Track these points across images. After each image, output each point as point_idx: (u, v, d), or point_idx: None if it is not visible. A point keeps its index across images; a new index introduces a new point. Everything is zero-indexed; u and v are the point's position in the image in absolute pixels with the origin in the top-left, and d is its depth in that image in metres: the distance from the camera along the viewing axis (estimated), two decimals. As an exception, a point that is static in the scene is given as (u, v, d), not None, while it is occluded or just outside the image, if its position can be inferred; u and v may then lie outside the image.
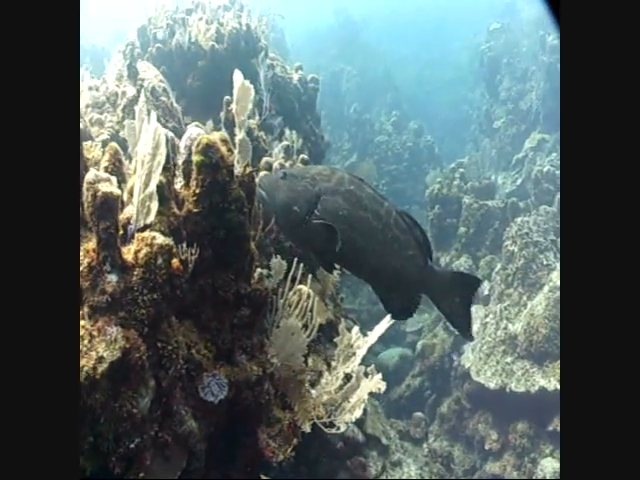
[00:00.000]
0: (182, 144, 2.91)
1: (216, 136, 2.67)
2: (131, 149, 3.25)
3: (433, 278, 3.56)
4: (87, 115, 4.79)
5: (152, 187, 2.30)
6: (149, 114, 2.38)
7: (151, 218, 2.31)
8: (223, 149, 2.64)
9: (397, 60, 21.68)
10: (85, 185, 2.17)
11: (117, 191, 2.17)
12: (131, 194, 2.53)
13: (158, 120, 4.70)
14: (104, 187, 2.14)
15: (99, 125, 4.74)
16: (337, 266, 4.44)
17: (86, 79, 6.19)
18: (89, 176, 2.16)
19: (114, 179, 2.23)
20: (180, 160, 2.87)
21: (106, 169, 2.65)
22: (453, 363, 7.80)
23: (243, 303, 2.84)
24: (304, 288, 3.01)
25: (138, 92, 4.83)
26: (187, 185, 2.79)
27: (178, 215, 2.57)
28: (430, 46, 25.37)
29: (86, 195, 2.17)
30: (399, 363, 10.15)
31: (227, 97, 5.10)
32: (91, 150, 3.78)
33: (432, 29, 27.05)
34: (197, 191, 2.57)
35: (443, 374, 9.14)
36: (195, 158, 2.57)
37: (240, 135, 2.61)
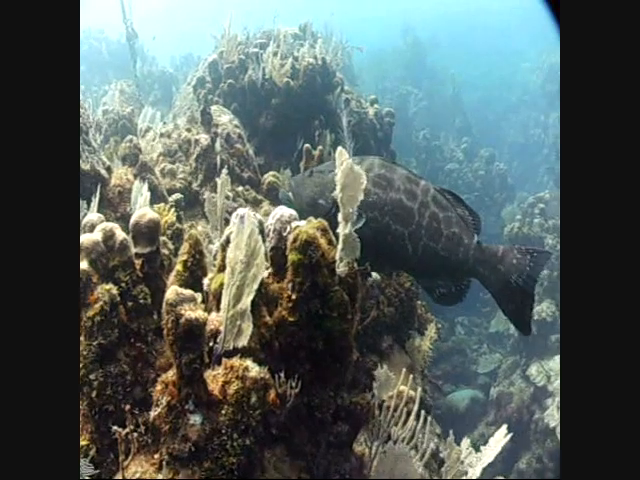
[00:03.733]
0: (270, 224, 2.50)
1: (315, 226, 2.25)
2: (211, 227, 2.88)
3: (481, 256, 3.21)
4: (159, 165, 4.46)
5: (245, 304, 1.89)
6: (245, 214, 1.97)
7: (243, 342, 1.89)
8: (323, 243, 2.21)
9: (464, 81, 21.04)
10: (165, 307, 1.77)
11: (204, 315, 1.76)
12: (216, 298, 2.13)
13: (232, 170, 4.34)
14: (189, 312, 1.73)
15: (171, 176, 4.40)
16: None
17: (157, 118, 5.92)
18: (170, 296, 1.76)
19: (199, 297, 1.82)
20: (268, 245, 2.46)
21: (185, 264, 2.25)
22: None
23: (340, 417, 2.40)
24: (414, 395, 2.54)
25: (212, 140, 4.48)
26: (276, 275, 2.37)
27: (270, 325, 2.14)
28: (498, 67, 24.71)
29: (166, 319, 1.77)
30: (470, 406, 9.56)
31: (307, 145, 4.71)
32: (164, 214, 3.44)
33: (500, 50, 26.39)
34: (293, 297, 2.15)
35: (521, 426, 8.53)
36: (292, 256, 2.15)
37: (346, 229, 2.18)
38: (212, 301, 2.20)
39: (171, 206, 3.55)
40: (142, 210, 2.11)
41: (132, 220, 2.10)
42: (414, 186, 3.16)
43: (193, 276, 2.27)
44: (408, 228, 3.13)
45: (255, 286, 1.88)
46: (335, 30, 11.54)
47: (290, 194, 3.37)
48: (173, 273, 2.29)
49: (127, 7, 9.37)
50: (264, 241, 2.44)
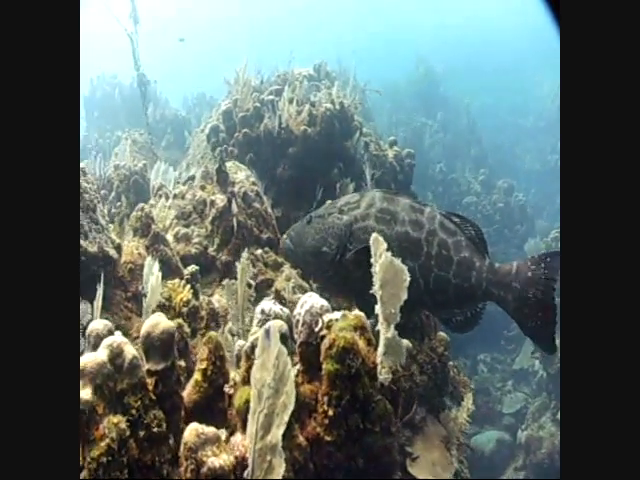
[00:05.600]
0: (298, 313, 2.23)
1: (353, 325, 1.97)
2: (232, 316, 2.63)
3: (495, 277, 3.06)
4: (172, 229, 4.22)
5: (276, 437, 1.61)
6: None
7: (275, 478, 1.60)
8: (362, 345, 1.94)
9: (478, 108, 20.88)
10: (183, 451, 1.49)
11: (230, 461, 1.49)
12: (241, 417, 1.86)
13: (250, 232, 4.09)
14: (212, 459, 1.45)
15: (185, 241, 4.16)
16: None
17: (169, 173, 5.71)
18: (189, 438, 1.48)
19: (222, 436, 1.54)
20: (297, 338, 2.19)
21: (204, 373, 1.99)
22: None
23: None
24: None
25: (229, 201, 4.24)
26: (306, 372, 2.10)
27: (304, 446, 1.86)
28: (511, 94, 24.53)
29: (185, 465, 1.49)
30: (496, 448, 9.12)
31: (330, 201, 4.47)
32: (178, 290, 3.19)
33: (513, 77, 26.25)
34: (330, 413, 1.87)
35: (554, 473, 8.12)
36: (327, 366, 1.88)
37: (389, 333, 1.90)
38: (236, 417, 1.93)
39: (187, 280, 3.29)
40: (155, 319, 1.84)
41: (143, 330, 1.84)
42: (419, 215, 3.01)
43: (213, 386, 2.00)
44: (417, 261, 2.96)
45: (286, 418, 1.60)
46: (349, 65, 11.41)
47: (288, 242, 3.17)
48: (191, 383, 2.03)
49: (137, 52, 9.29)
50: (292, 336, 2.18)
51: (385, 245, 2.01)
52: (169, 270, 3.51)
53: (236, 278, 3.81)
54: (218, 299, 3.74)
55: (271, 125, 6.08)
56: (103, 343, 1.76)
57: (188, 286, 3.19)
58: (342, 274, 3.04)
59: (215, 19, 36.59)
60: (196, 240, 4.13)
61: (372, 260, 2.08)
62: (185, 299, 3.15)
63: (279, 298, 3.60)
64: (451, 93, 21.55)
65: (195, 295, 3.28)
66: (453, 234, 3.03)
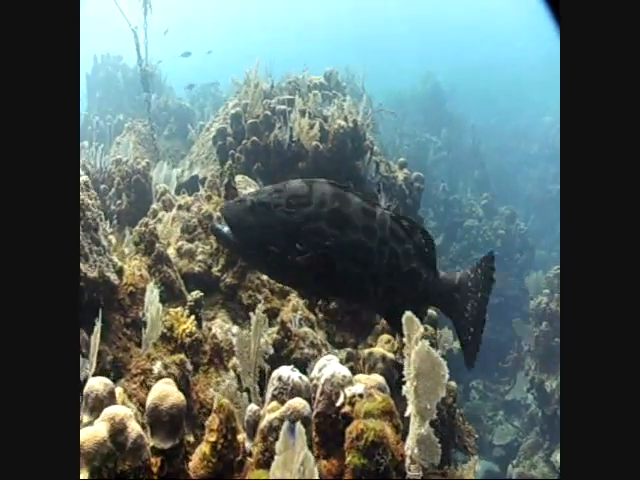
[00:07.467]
0: (315, 377, 2.02)
1: (381, 410, 1.76)
2: (241, 369, 2.38)
3: (439, 289, 3.05)
4: (176, 243, 3.98)
5: None
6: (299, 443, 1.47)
7: None
8: (391, 435, 1.73)
9: (482, 129, 20.74)
10: None
11: None
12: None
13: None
14: None
15: (189, 257, 3.91)
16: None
17: (173, 176, 5.49)
18: None
19: None
20: (314, 407, 1.97)
21: (214, 447, 1.76)
22: None
23: None
24: None
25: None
26: (323, 445, 1.89)
27: None
28: (516, 116, 24.41)
29: None
30: (485, 479, 8.96)
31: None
32: (181, 320, 2.96)
33: (520, 101, 26.11)
34: (351, 513, 1.65)
35: (544, 515, 7.99)
36: (354, 459, 1.66)
37: (422, 429, 1.69)
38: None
39: (190, 308, 3.07)
40: (163, 389, 1.61)
41: (150, 401, 1.61)
42: (371, 219, 2.84)
43: (223, 461, 1.78)
44: (369, 270, 2.85)
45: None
46: (357, 74, 11.20)
47: (226, 229, 2.78)
48: (198, 455, 1.80)
49: (147, 44, 9.02)
50: (311, 403, 1.96)
51: (422, 329, 1.81)
52: (172, 294, 3.28)
53: (240, 304, 3.59)
54: (220, 324, 3.52)
55: (281, 137, 5.86)
56: (104, 414, 1.53)
57: (192, 317, 2.97)
58: (290, 272, 2.81)
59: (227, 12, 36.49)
60: (200, 258, 3.89)
61: (405, 340, 1.89)
62: (188, 330, 2.93)
63: (285, 330, 3.39)
64: (456, 111, 21.39)
65: (199, 324, 3.06)
66: (402, 241, 2.92)
